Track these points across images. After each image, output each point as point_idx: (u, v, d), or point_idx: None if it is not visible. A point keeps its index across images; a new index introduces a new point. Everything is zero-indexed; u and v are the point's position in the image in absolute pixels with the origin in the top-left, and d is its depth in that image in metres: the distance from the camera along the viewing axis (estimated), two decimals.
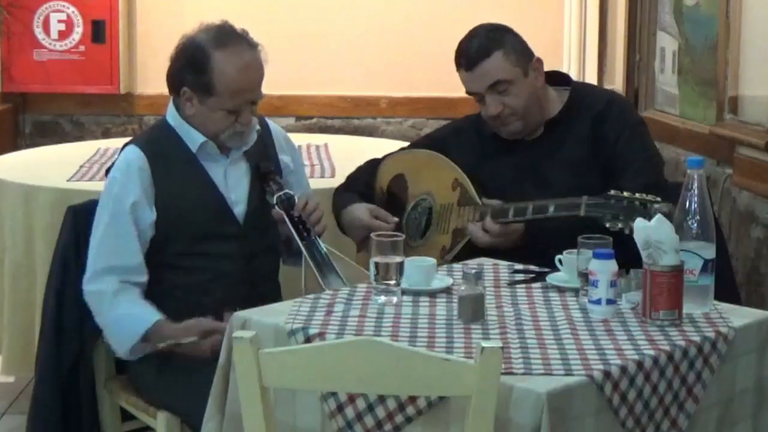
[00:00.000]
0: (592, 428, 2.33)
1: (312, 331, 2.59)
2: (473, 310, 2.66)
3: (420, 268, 2.90)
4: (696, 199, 2.71)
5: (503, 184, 3.41)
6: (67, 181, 4.29)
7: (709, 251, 2.70)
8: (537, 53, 3.50)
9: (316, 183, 4.17)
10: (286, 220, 3.28)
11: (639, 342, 2.51)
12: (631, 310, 2.71)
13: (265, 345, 2.41)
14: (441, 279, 2.93)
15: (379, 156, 3.79)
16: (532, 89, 3.44)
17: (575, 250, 2.77)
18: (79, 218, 3.36)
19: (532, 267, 3.07)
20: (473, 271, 2.68)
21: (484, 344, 2.20)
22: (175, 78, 3.26)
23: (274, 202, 3.29)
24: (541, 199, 3.25)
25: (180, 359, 3.14)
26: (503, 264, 3.15)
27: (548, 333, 2.58)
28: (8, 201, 4.21)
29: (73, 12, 6.43)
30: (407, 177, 3.64)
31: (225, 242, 3.27)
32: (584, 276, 2.71)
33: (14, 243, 4.16)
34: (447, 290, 2.88)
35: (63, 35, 6.44)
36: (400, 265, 2.79)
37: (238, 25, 3.31)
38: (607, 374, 2.35)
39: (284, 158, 3.47)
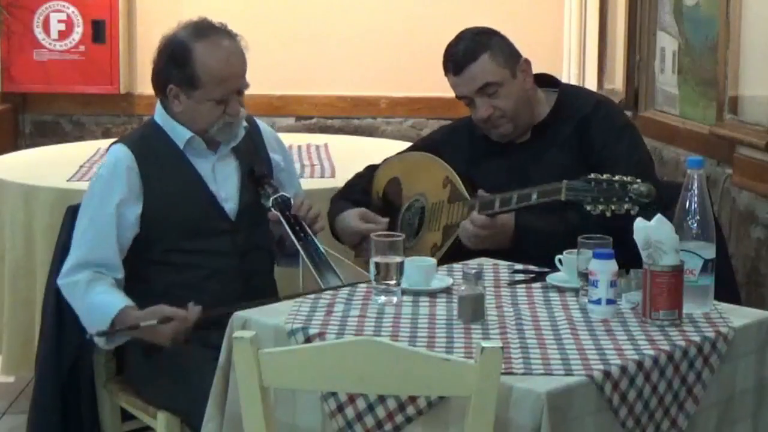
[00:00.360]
0: (592, 428, 2.33)
1: (312, 331, 2.59)
2: (473, 310, 2.66)
3: (420, 268, 2.90)
4: (696, 199, 2.71)
5: (492, 187, 3.40)
6: (67, 181, 4.29)
7: (709, 251, 2.70)
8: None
9: (316, 183, 4.18)
10: (283, 221, 3.28)
11: (639, 342, 2.51)
12: (631, 310, 2.71)
13: (265, 345, 2.41)
14: (441, 279, 2.93)
15: (377, 160, 3.80)
16: (521, 90, 3.44)
17: (575, 250, 2.78)
18: None
19: (532, 267, 3.07)
20: (473, 271, 2.69)
21: (484, 344, 2.20)
22: (160, 76, 3.28)
23: (270, 204, 3.30)
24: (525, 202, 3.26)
25: (180, 359, 3.14)
26: (503, 264, 3.15)
27: (548, 333, 2.58)
28: (8, 201, 4.21)
29: (73, 12, 6.44)
30: (401, 180, 3.66)
31: (217, 238, 3.27)
32: (584, 276, 2.71)
33: (14, 243, 4.16)
34: (447, 290, 2.88)
35: (63, 35, 6.44)
36: (400, 265, 2.79)
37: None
38: (607, 374, 2.35)
39: (275, 157, 3.48)
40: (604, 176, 3.03)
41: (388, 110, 6.63)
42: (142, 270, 3.26)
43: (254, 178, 3.34)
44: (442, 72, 3.53)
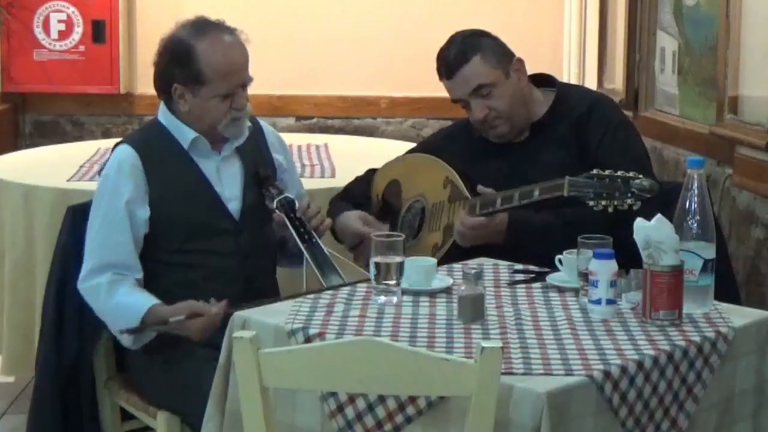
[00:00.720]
0: (592, 428, 2.33)
1: (312, 331, 2.59)
2: (473, 310, 2.66)
3: (420, 268, 2.90)
4: (696, 199, 2.71)
5: (491, 187, 3.40)
6: (67, 181, 4.29)
7: (709, 251, 2.70)
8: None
9: (316, 183, 4.18)
10: (288, 223, 3.28)
11: (639, 342, 2.51)
12: (631, 310, 2.71)
13: (265, 345, 2.41)
14: (441, 279, 2.93)
15: (377, 160, 3.81)
16: (515, 90, 3.44)
17: (575, 250, 2.78)
18: (79, 218, 3.36)
19: (532, 267, 3.07)
20: (473, 271, 2.69)
21: (484, 344, 2.20)
22: (164, 77, 3.27)
23: (275, 206, 3.30)
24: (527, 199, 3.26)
25: (180, 359, 3.14)
26: (503, 264, 3.15)
27: (548, 333, 2.58)
28: (8, 201, 4.21)
29: (73, 12, 6.44)
30: (401, 182, 3.66)
31: (220, 238, 3.27)
32: (584, 276, 2.71)
33: (14, 243, 4.16)
34: (447, 290, 2.88)
35: (63, 35, 6.44)
36: (400, 265, 2.79)
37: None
38: (607, 374, 2.35)
39: (278, 157, 3.48)
40: (607, 172, 3.03)
41: (388, 110, 6.63)
42: (147, 269, 3.25)
43: (259, 180, 3.34)
44: None
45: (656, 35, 5.19)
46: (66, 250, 3.37)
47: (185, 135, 3.28)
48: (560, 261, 2.93)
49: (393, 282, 2.79)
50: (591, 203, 3.02)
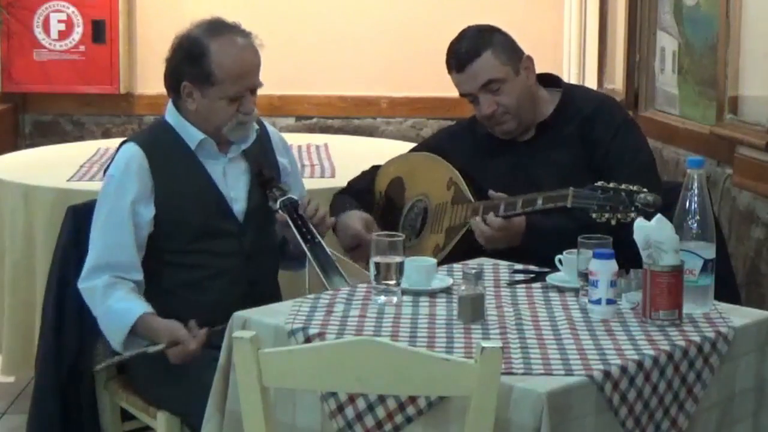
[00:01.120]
0: (592, 428, 2.33)
1: (312, 331, 2.59)
2: (473, 310, 2.66)
3: (420, 268, 2.90)
4: (696, 199, 2.71)
5: (495, 185, 3.41)
6: (67, 181, 4.29)
7: (709, 251, 2.70)
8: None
9: (316, 183, 4.18)
10: (291, 224, 3.28)
11: (639, 342, 2.51)
12: (631, 310, 2.71)
13: (265, 345, 2.41)
14: (441, 279, 2.93)
15: (377, 160, 3.80)
16: (524, 87, 3.45)
17: (575, 250, 2.78)
18: (79, 218, 3.36)
19: (532, 267, 3.07)
20: (473, 271, 2.69)
21: (484, 344, 2.20)
22: (174, 74, 3.27)
23: (278, 207, 3.30)
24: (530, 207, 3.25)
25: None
26: (503, 264, 3.15)
27: (548, 333, 2.58)
28: (8, 201, 4.21)
29: (73, 12, 6.44)
30: (404, 180, 3.66)
31: (224, 240, 3.27)
32: (584, 276, 2.71)
33: (14, 243, 4.16)
34: (447, 290, 2.88)
35: (63, 35, 6.44)
36: (400, 265, 2.79)
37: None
38: (607, 374, 2.35)
39: (282, 161, 3.48)
40: (611, 184, 3.03)
41: (388, 110, 6.63)
42: (149, 269, 3.25)
43: (262, 181, 3.34)
44: (442, 72, 3.53)
45: (656, 35, 5.19)
46: (66, 250, 3.37)
47: (193, 136, 3.28)
48: (560, 261, 2.93)
49: (393, 282, 2.79)
50: (594, 215, 3.02)
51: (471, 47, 3.41)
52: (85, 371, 3.36)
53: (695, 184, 2.71)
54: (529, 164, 3.45)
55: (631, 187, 3.01)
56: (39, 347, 3.46)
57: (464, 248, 3.36)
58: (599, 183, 3.06)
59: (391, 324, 2.65)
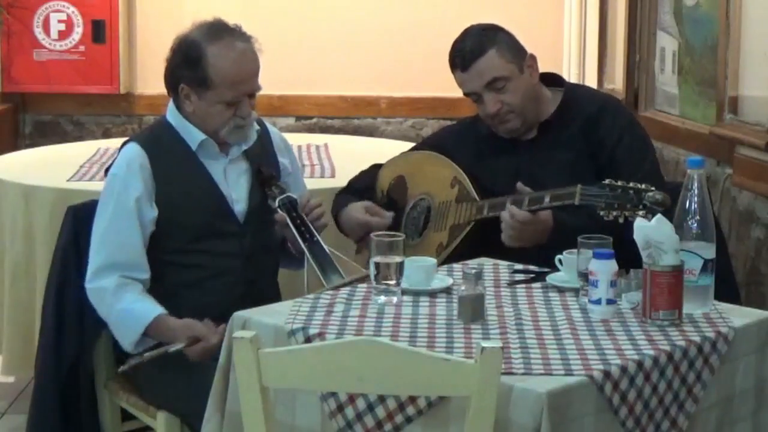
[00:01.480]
0: (592, 428, 2.33)
1: (312, 331, 2.59)
2: (473, 310, 2.66)
3: (420, 268, 2.90)
4: (696, 199, 2.71)
5: (498, 185, 3.41)
6: (67, 181, 4.29)
7: (709, 251, 2.70)
8: (537, 53, 3.50)
9: (316, 183, 4.18)
10: (289, 222, 3.28)
11: (639, 342, 2.51)
12: (631, 310, 2.71)
13: (265, 345, 2.41)
14: (441, 279, 2.93)
15: (377, 160, 3.80)
16: (528, 86, 3.44)
17: (575, 250, 2.77)
18: (79, 218, 3.36)
19: (532, 267, 3.07)
20: (473, 271, 2.69)
21: (484, 344, 2.20)
22: (173, 76, 3.27)
23: (277, 205, 3.30)
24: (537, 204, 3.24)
25: (180, 359, 3.13)
26: (503, 264, 3.15)
27: (548, 333, 2.58)
28: (8, 201, 4.21)
29: (73, 12, 6.44)
30: (407, 178, 3.65)
31: (224, 240, 3.27)
32: (584, 276, 2.71)
33: (14, 243, 4.16)
34: (447, 290, 2.88)
35: (63, 35, 6.44)
36: (400, 265, 2.79)
37: (236, 23, 3.31)
38: (607, 374, 2.35)
39: (283, 161, 3.48)
40: (619, 182, 3.02)
41: (389, 110, 6.63)
42: (153, 270, 3.25)
43: (262, 179, 3.34)
44: (442, 72, 3.53)
45: (656, 35, 5.19)
46: (66, 250, 3.37)
47: (194, 136, 3.28)
48: (560, 261, 2.93)
49: (393, 282, 2.79)
50: (602, 213, 3.01)
51: (475, 45, 3.41)
52: (85, 371, 3.36)
53: (695, 184, 2.71)
54: (532, 163, 3.45)
55: (639, 185, 3.01)
56: (39, 347, 3.46)
57: (468, 247, 3.36)
58: (607, 181, 3.04)
59: (391, 324, 2.65)
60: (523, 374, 2.34)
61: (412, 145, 4.04)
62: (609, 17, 5.97)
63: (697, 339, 2.54)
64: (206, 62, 3.20)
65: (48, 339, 3.38)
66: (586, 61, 6.29)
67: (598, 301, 2.67)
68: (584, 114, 3.45)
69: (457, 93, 3.56)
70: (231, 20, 3.33)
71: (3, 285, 4.21)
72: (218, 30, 3.26)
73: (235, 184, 3.32)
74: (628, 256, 2.73)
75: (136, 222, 3.20)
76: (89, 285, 3.22)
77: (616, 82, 5.73)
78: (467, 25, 3.53)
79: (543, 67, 3.53)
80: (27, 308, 4.09)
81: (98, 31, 6.43)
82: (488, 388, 2.20)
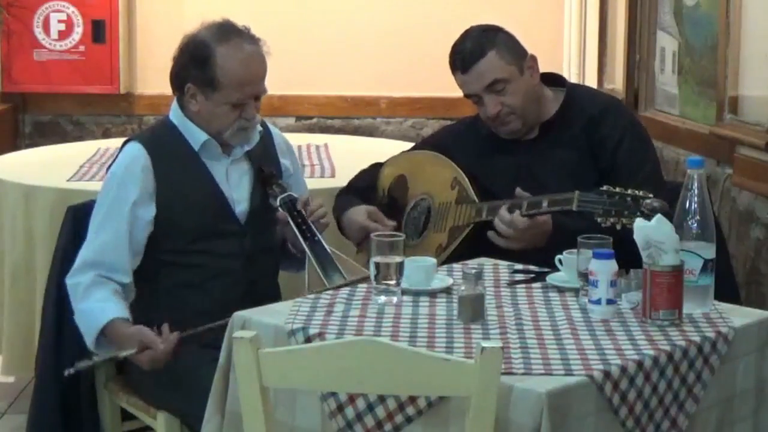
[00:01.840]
0: (592, 428, 2.33)
1: (312, 331, 2.59)
2: (473, 310, 2.66)
3: (420, 268, 2.90)
4: (696, 199, 2.71)
5: (498, 185, 3.41)
6: (67, 181, 4.29)
7: (709, 251, 2.70)
8: (537, 53, 3.50)
9: (316, 183, 4.18)
10: (290, 221, 3.28)
11: (639, 342, 2.51)
12: (631, 310, 2.71)
13: (265, 345, 2.41)
14: (441, 279, 2.93)
15: (377, 160, 3.80)
16: (528, 87, 3.44)
17: (575, 250, 2.77)
18: (79, 218, 3.36)
19: (532, 267, 3.07)
20: (473, 271, 2.69)
21: (484, 344, 2.20)
22: (179, 75, 3.27)
23: (278, 204, 3.30)
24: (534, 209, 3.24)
25: (180, 359, 3.13)
26: (503, 264, 3.15)
27: (548, 333, 2.58)
28: (8, 201, 4.21)
29: (73, 12, 6.44)
30: (408, 178, 3.65)
31: (225, 240, 3.27)
32: (584, 276, 2.71)
33: (14, 243, 4.16)
34: (447, 290, 2.88)
35: (63, 35, 6.44)
36: (400, 265, 2.79)
37: (239, 23, 3.31)
38: (607, 374, 2.35)
39: (284, 162, 3.48)
40: (617, 189, 3.02)
41: (388, 110, 6.63)
42: (150, 269, 3.25)
43: (263, 178, 3.34)
44: (442, 72, 3.52)
45: (656, 35, 5.19)
46: (66, 251, 3.37)
47: (196, 137, 3.27)
48: (560, 261, 2.93)
49: (393, 282, 2.79)
50: (599, 219, 3.01)
51: (476, 47, 3.41)
52: (85, 371, 3.36)
53: (695, 184, 2.71)
54: (533, 164, 3.45)
55: (637, 192, 3.00)
56: (39, 347, 3.46)
57: (467, 248, 3.36)
58: (605, 187, 3.04)
59: (391, 324, 2.65)
60: (523, 374, 2.34)
61: (412, 145, 4.05)
62: (609, 17, 5.97)
63: (697, 339, 2.54)
64: (214, 63, 3.20)
65: (48, 339, 3.38)
66: (586, 61, 6.29)
67: (598, 301, 2.67)
68: (586, 115, 3.45)
69: (457, 93, 3.56)
70: (231, 20, 3.32)
71: (3, 285, 4.22)
72: (227, 31, 3.25)
73: (236, 185, 3.32)
74: (628, 256, 2.73)
75: (126, 225, 3.20)
76: (68, 280, 3.22)
77: (616, 82, 5.73)
78: (467, 24, 3.53)
79: (543, 67, 3.53)
80: (27, 308, 4.10)
81: (98, 31, 6.43)
82: (488, 388, 2.20)
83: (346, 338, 2.54)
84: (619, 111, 3.52)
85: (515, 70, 3.42)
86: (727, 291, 2.98)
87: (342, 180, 3.91)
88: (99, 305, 3.15)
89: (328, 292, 2.90)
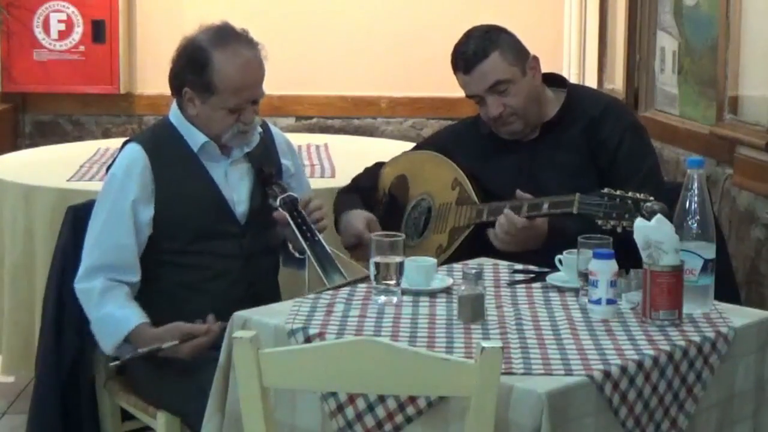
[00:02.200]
0: (592, 428, 2.33)
1: (312, 331, 2.59)
2: (473, 310, 2.66)
3: (420, 268, 2.90)
4: (696, 199, 2.71)
5: (499, 185, 3.41)
6: (67, 181, 4.29)
7: (709, 251, 2.70)
8: (537, 53, 3.50)
9: (316, 183, 4.17)
10: (290, 221, 3.28)
11: (639, 342, 2.51)
12: (631, 310, 2.71)
13: (265, 345, 2.41)
14: (441, 279, 2.93)
15: (377, 160, 3.80)
16: (530, 88, 3.44)
17: (575, 250, 2.77)
18: (79, 218, 3.36)
19: (532, 267, 3.07)
20: (473, 271, 2.69)
21: (484, 344, 2.20)
22: (177, 79, 3.27)
23: (278, 204, 3.30)
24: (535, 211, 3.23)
25: (180, 359, 3.13)
26: (503, 264, 3.15)
27: (548, 333, 2.58)
28: (8, 201, 4.21)
29: (73, 12, 6.44)
30: (409, 178, 3.65)
31: (225, 241, 3.27)
32: (584, 276, 2.71)
33: (14, 243, 4.16)
34: (447, 290, 2.88)
35: (63, 35, 6.44)
36: (400, 265, 2.79)
37: (238, 25, 3.31)
38: (607, 374, 2.35)
39: (285, 162, 3.48)
40: (618, 192, 3.02)
41: (389, 110, 6.63)
42: (148, 270, 3.25)
43: (263, 178, 3.34)
44: (442, 72, 3.52)
45: (656, 35, 5.19)
46: (66, 251, 3.36)
47: (195, 138, 3.27)
48: (560, 261, 2.93)
49: (393, 282, 2.79)
50: (600, 222, 3.01)
51: (479, 48, 3.40)
52: (85, 371, 3.36)
53: (695, 184, 2.71)
54: (534, 165, 3.45)
55: (637, 195, 3.00)
56: (39, 347, 3.46)
57: (467, 249, 3.36)
58: (605, 190, 3.04)
59: (391, 324, 2.65)
60: (523, 374, 2.34)
61: (412, 145, 4.05)
62: (609, 17, 5.97)
63: (697, 339, 2.54)
64: (211, 68, 3.19)
65: (48, 339, 3.38)
66: (586, 61, 6.30)
67: (598, 301, 2.67)
68: (587, 116, 3.45)
69: (458, 93, 3.55)
70: (230, 20, 3.32)
71: (3, 285, 4.22)
72: (225, 36, 3.24)
73: (236, 186, 3.32)
74: (628, 259, 2.73)
75: (130, 225, 3.20)
76: (78, 285, 3.22)
77: (616, 82, 5.73)
78: (467, 25, 3.53)
79: (543, 67, 3.53)
80: (27, 308, 4.10)
81: (98, 31, 6.43)
82: (488, 388, 2.20)
83: (346, 338, 2.54)
84: (620, 112, 3.52)
85: (518, 71, 3.42)
86: (727, 291, 2.98)
87: (342, 180, 3.92)
88: (119, 312, 3.16)
89: (328, 292, 2.90)
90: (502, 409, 2.26)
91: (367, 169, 3.78)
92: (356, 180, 3.75)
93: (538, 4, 6.53)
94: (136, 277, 3.22)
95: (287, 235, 3.35)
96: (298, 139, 5.09)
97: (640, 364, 2.41)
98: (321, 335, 2.57)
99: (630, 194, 3.01)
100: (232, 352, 2.39)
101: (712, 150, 4.37)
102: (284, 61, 6.27)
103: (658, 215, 2.65)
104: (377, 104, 6.63)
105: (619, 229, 2.98)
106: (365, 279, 2.95)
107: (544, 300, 2.84)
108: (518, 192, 3.29)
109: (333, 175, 4.43)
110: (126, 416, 3.41)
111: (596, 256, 2.66)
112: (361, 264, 3.31)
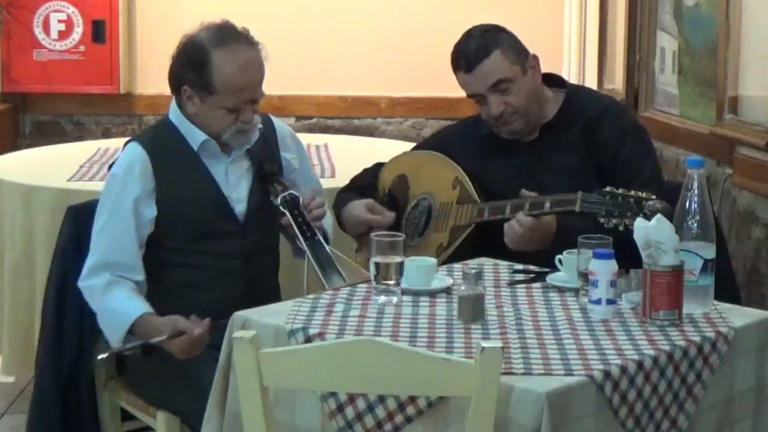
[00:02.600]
0: (592, 428, 2.33)
1: (312, 331, 2.59)
2: (473, 310, 2.66)
3: (420, 268, 2.90)
4: (696, 199, 2.71)
5: (498, 186, 3.40)
6: (67, 181, 4.29)
7: (709, 251, 2.70)
8: (537, 53, 3.50)
9: None
10: (291, 220, 3.28)
11: (639, 342, 2.51)
12: (631, 310, 2.71)
13: (265, 345, 2.41)
14: (441, 279, 2.93)
15: (377, 160, 3.80)
16: (531, 87, 3.44)
17: (575, 250, 2.77)
18: (79, 218, 3.37)
19: (532, 267, 3.07)
20: (473, 271, 2.69)
21: (484, 344, 2.20)
22: (176, 77, 3.27)
23: (279, 202, 3.29)
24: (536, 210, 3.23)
25: (180, 359, 3.13)
26: (503, 264, 3.15)
27: (548, 333, 2.58)
28: (8, 201, 4.21)
29: (73, 12, 6.44)
30: (409, 177, 3.65)
31: (225, 240, 3.27)
32: (584, 276, 2.71)
33: (14, 243, 4.16)
34: (447, 290, 2.88)
35: (63, 35, 6.45)
36: (400, 265, 2.79)
37: (238, 24, 3.30)
38: (607, 374, 2.35)
39: (287, 155, 3.47)
40: (620, 190, 3.02)
41: (388, 110, 6.64)
42: (149, 268, 3.25)
43: (263, 175, 3.33)
44: (442, 72, 3.52)
45: (656, 35, 5.19)
46: (66, 251, 3.37)
47: (195, 137, 3.27)
48: (560, 261, 2.93)
49: (393, 282, 2.79)
50: (602, 220, 3.02)
51: (480, 47, 3.40)
52: (85, 371, 3.36)
53: (695, 184, 2.71)
54: (533, 165, 3.44)
55: (639, 193, 3.01)
56: (39, 347, 3.46)
57: (468, 248, 3.36)
58: (608, 188, 3.04)
59: (391, 324, 2.65)
60: (523, 374, 2.34)
61: (412, 145, 4.05)
62: (609, 17, 5.97)
63: (697, 339, 2.54)
64: (211, 68, 3.19)
65: (48, 339, 3.38)
66: (586, 61, 6.29)
67: (598, 301, 2.67)
68: (586, 116, 3.45)
69: (458, 93, 3.55)
70: (230, 20, 3.31)
71: (3, 285, 4.22)
72: (226, 35, 3.23)
73: (236, 184, 3.32)
74: (630, 257, 2.73)
75: (132, 224, 3.20)
76: (81, 283, 3.22)
77: (616, 82, 5.72)
78: (467, 25, 3.53)
79: (543, 67, 3.53)
80: (27, 308, 4.10)
81: (98, 31, 6.44)
82: (488, 388, 2.20)
83: (346, 338, 2.54)
84: (619, 113, 3.52)
85: (519, 69, 3.42)
86: (727, 291, 2.98)
87: (342, 180, 3.92)
88: (124, 303, 3.16)
89: (328, 292, 2.90)
90: (502, 409, 2.26)
91: (366, 169, 3.78)
92: (355, 180, 3.75)
93: (538, 4, 6.53)
94: (139, 276, 3.22)
95: (288, 234, 3.35)
96: None
97: (640, 364, 2.41)
98: (321, 335, 2.57)
99: (632, 192, 3.01)
100: (232, 352, 2.39)
101: (712, 150, 4.37)
102: (284, 61, 6.26)
103: (658, 215, 2.65)
104: (377, 104, 6.63)
105: (621, 228, 2.98)
106: (365, 282, 2.95)
107: (544, 300, 2.84)
108: (523, 191, 3.29)
109: (333, 175, 4.43)
110: (126, 416, 3.41)
111: (596, 256, 2.66)
112: (361, 264, 3.32)
